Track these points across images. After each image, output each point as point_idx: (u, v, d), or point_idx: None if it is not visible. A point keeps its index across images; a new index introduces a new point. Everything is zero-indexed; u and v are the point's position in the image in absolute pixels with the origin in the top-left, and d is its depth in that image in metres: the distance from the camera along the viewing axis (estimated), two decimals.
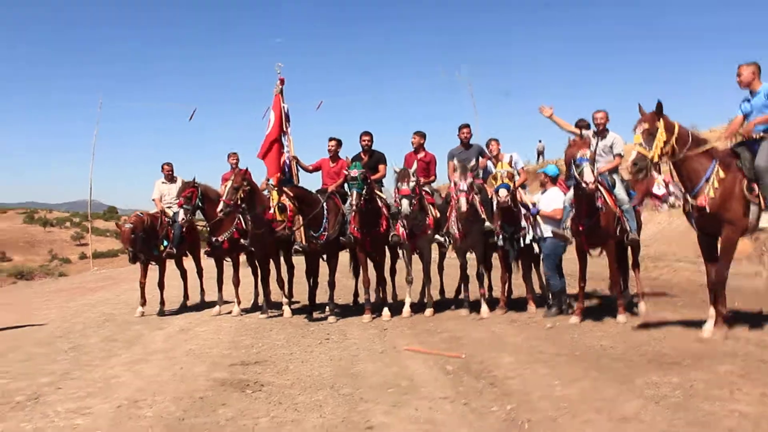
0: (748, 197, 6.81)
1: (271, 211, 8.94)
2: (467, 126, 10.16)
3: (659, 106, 6.82)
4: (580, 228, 8.10)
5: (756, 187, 6.81)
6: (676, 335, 7.11)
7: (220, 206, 9.33)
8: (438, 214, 9.77)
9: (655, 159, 6.78)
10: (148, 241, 10.76)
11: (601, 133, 8.74)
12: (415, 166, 9.25)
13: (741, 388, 4.94)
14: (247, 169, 9.75)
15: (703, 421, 4.24)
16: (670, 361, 5.93)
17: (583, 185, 7.55)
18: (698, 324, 7.15)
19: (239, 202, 9.31)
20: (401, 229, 9.27)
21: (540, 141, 37.22)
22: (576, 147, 7.80)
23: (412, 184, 8.76)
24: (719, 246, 7.12)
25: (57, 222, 68.39)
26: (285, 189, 9.42)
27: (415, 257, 10.00)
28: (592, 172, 7.58)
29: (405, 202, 8.63)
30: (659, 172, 7.57)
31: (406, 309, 9.53)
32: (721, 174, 6.87)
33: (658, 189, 7.96)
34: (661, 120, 6.77)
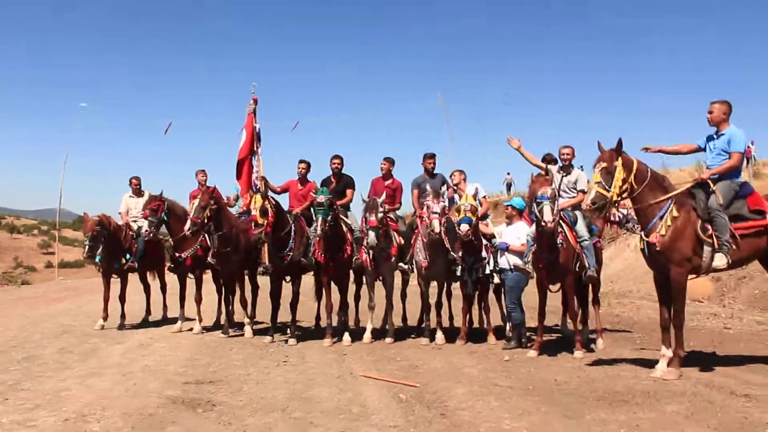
0: (702, 237, 6.97)
1: (254, 212, 8.92)
2: (433, 156, 10.27)
3: (619, 143, 7.00)
4: (540, 264, 8.23)
5: (709, 227, 6.99)
6: (630, 373, 7.21)
7: (187, 225, 9.33)
8: (402, 241, 9.83)
9: (614, 198, 6.94)
10: (110, 248, 10.71)
11: (566, 168, 8.91)
12: (383, 196, 9.33)
13: (685, 429, 5.04)
14: (214, 187, 9.79)
15: None
16: (620, 398, 6.01)
17: (542, 224, 7.70)
18: (653, 363, 7.24)
19: (206, 221, 9.32)
20: (364, 256, 9.35)
21: (508, 174, 37.55)
22: (538, 184, 7.96)
23: (380, 215, 8.85)
24: (671, 287, 7.25)
25: (24, 229, 67.43)
26: (269, 195, 9.47)
27: (378, 284, 10.03)
28: (552, 210, 7.73)
29: (372, 234, 8.74)
30: (618, 209, 7.72)
31: (367, 335, 9.56)
32: (675, 213, 7.03)
33: (614, 217, 8.14)
34: (620, 158, 6.93)
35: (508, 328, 9.41)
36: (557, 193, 8.23)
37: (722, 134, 7.34)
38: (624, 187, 6.96)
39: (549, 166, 8.95)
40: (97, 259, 11.05)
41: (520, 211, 9.34)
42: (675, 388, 6.46)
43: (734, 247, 7.08)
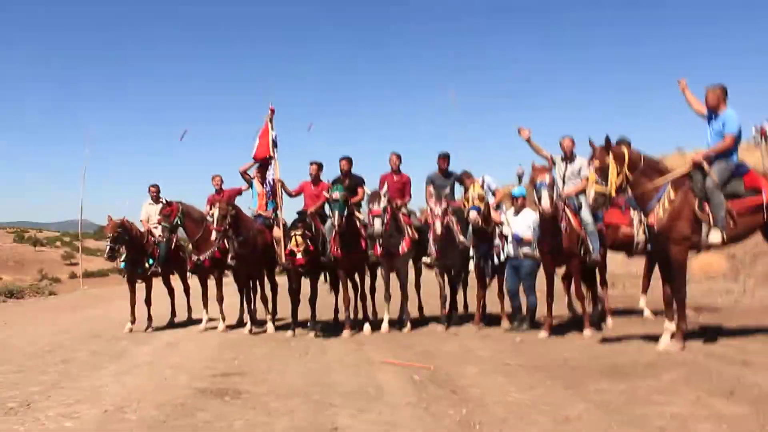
0: (700, 216, 7.28)
1: (299, 256, 9.37)
2: (447, 155, 10.65)
3: (607, 140, 7.34)
4: (545, 249, 8.59)
5: (706, 206, 7.30)
6: (635, 348, 7.55)
7: (213, 234, 9.77)
8: (416, 235, 10.18)
9: (612, 193, 7.30)
10: (133, 254, 11.17)
11: (569, 158, 9.22)
12: (386, 187, 9.70)
13: (679, 392, 5.39)
14: (229, 194, 10.18)
15: (637, 422, 4.67)
16: (622, 371, 6.35)
17: (540, 210, 8.08)
18: (659, 338, 7.54)
19: (228, 227, 9.75)
20: (378, 248, 9.71)
21: (519, 165, 37.68)
22: (537, 172, 8.36)
23: (383, 204, 9.20)
24: (672, 265, 7.56)
25: (47, 241, 68.34)
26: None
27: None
28: (550, 197, 8.10)
29: (377, 222, 9.07)
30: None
31: (385, 325, 9.93)
32: (672, 195, 7.35)
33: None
34: (610, 153, 7.27)
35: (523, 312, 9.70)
36: (555, 181, 8.56)
37: (719, 116, 7.65)
38: (620, 179, 7.30)
39: (554, 156, 9.26)
40: (122, 266, 11.53)
41: (524, 198, 9.69)
42: (676, 358, 6.80)
43: (731, 224, 7.39)
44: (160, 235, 10.65)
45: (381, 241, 9.50)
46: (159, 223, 10.59)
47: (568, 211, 8.68)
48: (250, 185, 11.44)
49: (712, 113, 7.74)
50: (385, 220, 9.20)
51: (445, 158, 10.62)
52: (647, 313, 9.87)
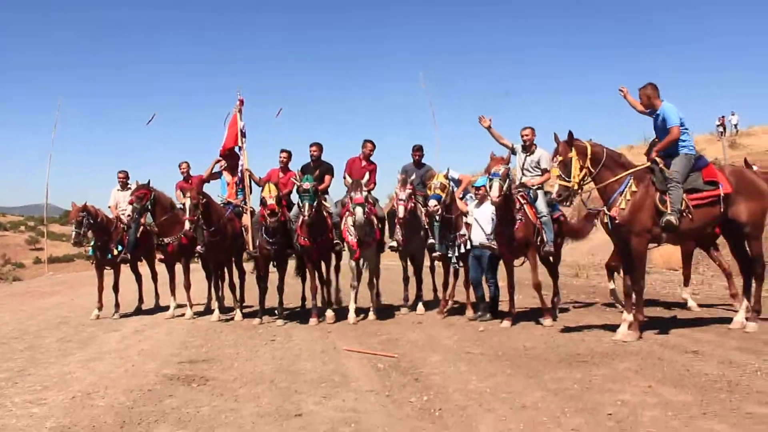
0: (661, 208, 7.53)
1: (271, 202, 9.35)
2: (420, 148, 10.87)
3: (570, 135, 7.56)
4: (500, 238, 8.82)
5: (666, 198, 7.55)
6: (593, 337, 7.79)
7: (187, 225, 9.81)
8: (380, 224, 10.36)
9: (575, 187, 7.50)
10: (101, 240, 11.17)
11: (528, 148, 9.43)
12: (367, 176, 9.85)
13: (632, 381, 5.62)
14: (202, 177, 10.24)
15: (590, 408, 4.89)
16: (579, 360, 6.59)
17: (489, 198, 8.29)
18: (617, 328, 7.79)
19: (200, 216, 9.81)
20: (350, 238, 9.80)
21: (492, 153, 38.14)
22: (493, 162, 8.57)
23: (365, 193, 9.36)
24: (632, 256, 7.80)
25: (11, 226, 67.34)
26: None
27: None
28: (500, 187, 8.29)
29: (359, 210, 9.19)
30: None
31: (351, 316, 9.94)
32: (633, 188, 7.60)
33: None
34: (573, 148, 7.48)
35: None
36: (512, 171, 8.75)
37: (657, 114, 7.95)
38: (583, 173, 7.52)
39: (514, 145, 9.46)
40: (90, 252, 11.52)
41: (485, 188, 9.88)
42: (631, 348, 7.05)
43: (690, 217, 7.67)
44: (128, 215, 10.66)
45: (358, 231, 9.61)
46: (131, 203, 10.59)
47: (523, 201, 8.88)
48: (219, 177, 11.54)
49: (652, 111, 8.05)
50: (367, 209, 9.36)
51: (418, 150, 10.82)
52: (691, 303, 9.96)
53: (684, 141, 7.84)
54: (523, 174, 9.45)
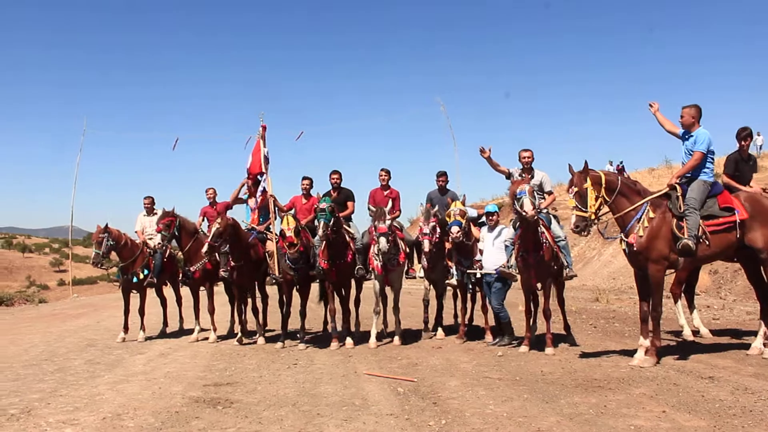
0: (678, 234, 7.64)
1: (290, 234, 9.58)
2: (444, 174, 11.10)
3: (585, 165, 7.72)
4: (530, 262, 8.82)
5: (683, 224, 7.66)
6: (610, 363, 7.91)
7: (204, 248, 10.04)
8: (408, 249, 10.57)
9: (592, 217, 7.63)
10: (123, 262, 11.51)
11: (528, 171, 9.49)
12: (390, 204, 10.07)
13: (646, 406, 5.74)
14: (233, 220, 10.44)
15: None
16: (596, 385, 6.70)
17: (523, 214, 8.37)
18: (634, 353, 7.90)
19: (221, 243, 10.05)
20: (375, 263, 10.01)
21: (512, 178, 38.13)
22: (516, 184, 8.70)
23: (387, 222, 9.58)
24: (650, 283, 7.89)
25: (36, 248, 68.31)
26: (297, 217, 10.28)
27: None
28: (532, 203, 8.40)
29: (383, 240, 9.46)
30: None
31: (372, 341, 10.13)
32: (651, 214, 7.73)
33: None
34: (588, 179, 7.63)
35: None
36: (534, 189, 8.85)
37: (691, 135, 8.05)
38: (599, 203, 7.66)
39: (511, 170, 9.57)
40: (116, 276, 11.82)
41: (498, 214, 10.02)
42: (648, 374, 7.15)
43: (706, 243, 7.78)
44: (159, 244, 10.91)
45: (382, 258, 9.84)
46: (158, 231, 10.85)
47: (542, 226, 8.98)
48: (245, 202, 11.79)
49: (687, 132, 8.13)
50: (390, 238, 9.60)
51: (443, 176, 11.06)
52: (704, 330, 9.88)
53: (706, 168, 7.96)
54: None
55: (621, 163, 36.83)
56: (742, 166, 8.98)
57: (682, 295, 10.03)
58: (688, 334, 9.54)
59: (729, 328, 10.39)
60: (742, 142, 9.16)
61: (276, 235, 10.74)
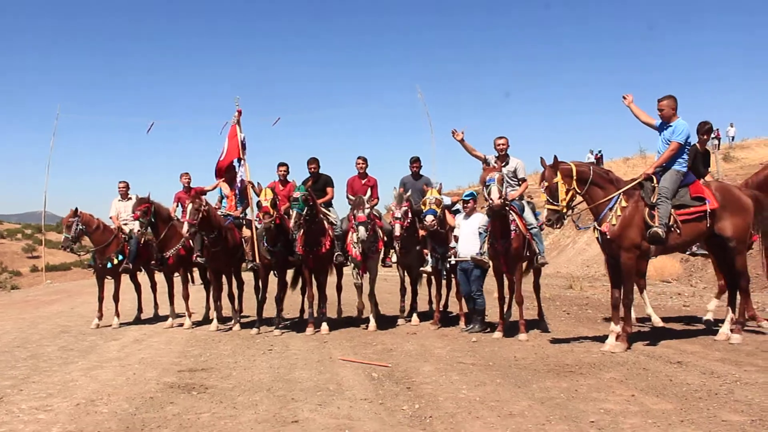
0: (650, 222, 7.75)
1: (265, 204, 9.60)
2: (417, 159, 11.14)
3: (555, 159, 7.79)
4: (499, 249, 8.94)
5: (655, 213, 7.78)
6: (582, 348, 8.04)
7: (185, 227, 9.99)
8: (386, 237, 10.62)
9: (564, 210, 7.71)
10: (95, 245, 11.47)
11: (503, 158, 9.52)
12: (369, 193, 10.09)
13: (616, 390, 5.84)
14: (203, 189, 10.47)
15: (573, 416, 5.09)
16: (567, 370, 6.81)
17: (489, 202, 8.46)
18: (606, 339, 8.02)
19: (199, 222, 10.01)
20: (354, 250, 10.06)
21: (484, 164, 38.39)
22: (486, 172, 8.77)
23: (367, 211, 9.61)
24: (621, 270, 8.01)
25: (7, 234, 67.28)
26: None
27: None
28: (499, 191, 8.49)
29: (362, 229, 9.54)
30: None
31: (372, 324, 10.30)
32: (623, 203, 7.83)
33: None
34: (558, 173, 7.70)
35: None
36: (504, 178, 8.91)
37: (669, 125, 8.13)
38: (570, 195, 7.74)
39: (488, 157, 9.56)
40: (90, 262, 11.74)
41: (474, 201, 10.06)
42: (619, 358, 7.28)
43: (677, 231, 7.91)
44: (139, 231, 10.84)
45: (361, 246, 9.91)
46: (136, 218, 10.79)
47: (513, 213, 9.05)
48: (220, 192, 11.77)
49: (664, 123, 8.20)
50: (369, 227, 9.66)
51: (416, 162, 11.11)
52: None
53: (681, 159, 8.06)
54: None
55: (600, 152, 37.16)
56: (698, 160, 9.08)
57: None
58: (657, 320, 9.69)
59: (698, 316, 10.55)
60: (704, 136, 9.34)
61: (253, 220, 10.72)
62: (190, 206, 9.90)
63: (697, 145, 9.17)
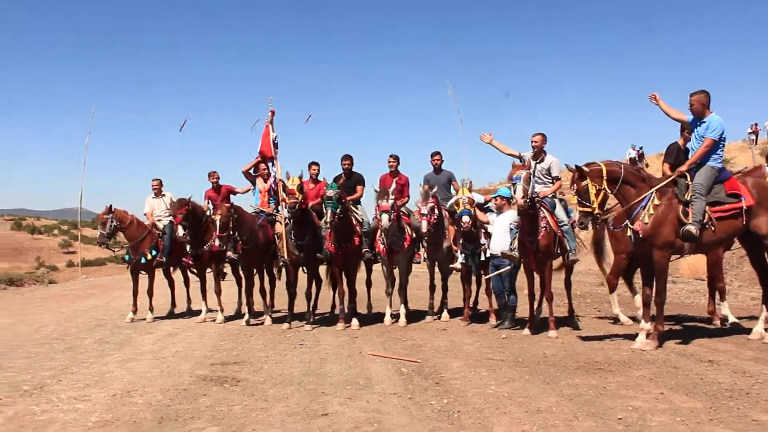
0: (684, 220, 7.67)
1: (291, 186, 9.75)
2: (438, 153, 11.18)
3: (584, 166, 7.74)
4: (527, 246, 8.94)
5: (689, 210, 7.70)
6: (612, 346, 8.01)
7: (217, 241, 10.20)
8: (414, 234, 10.66)
9: (596, 210, 7.67)
10: (131, 242, 11.73)
11: (538, 155, 9.48)
12: (393, 185, 10.18)
13: (645, 388, 5.83)
14: (233, 189, 10.60)
15: (601, 413, 5.10)
16: (597, 367, 6.80)
17: (513, 201, 8.47)
18: (636, 337, 7.97)
19: (231, 232, 10.20)
20: (380, 245, 10.15)
21: (514, 161, 38.06)
22: (514, 169, 8.79)
23: (390, 201, 9.67)
24: (654, 268, 7.94)
25: (45, 229, 68.62)
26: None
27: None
28: (524, 190, 8.49)
29: (384, 216, 9.56)
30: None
31: (387, 319, 10.43)
32: (656, 201, 7.77)
33: None
34: (587, 176, 7.65)
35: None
36: (531, 176, 8.85)
37: (703, 122, 8.03)
38: (601, 196, 7.68)
39: (523, 154, 9.54)
40: (126, 258, 11.97)
41: (508, 200, 10.05)
42: (649, 357, 7.25)
43: (712, 229, 7.82)
44: (183, 234, 10.98)
45: (386, 238, 9.96)
46: (179, 223, 10.93)
47: (544, 210, 9.04)
48: (253, 184, 11.87)
49: (697, 119, 8.10)
50: (392, 216, 9.65)
51: (437, 155, 11.18)
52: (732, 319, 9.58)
53: (716, 155, 7.97)
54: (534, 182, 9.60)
55: (641, 148, 36.57)
56: (683, 156, 8.90)
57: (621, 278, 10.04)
58: (625, 320, 9.74)
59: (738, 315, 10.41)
60: (686, 133, 9.17)
61: (284, 217, 10.84)
62: (218, 220, 10.05)
63: (679, 141, 9.05)
